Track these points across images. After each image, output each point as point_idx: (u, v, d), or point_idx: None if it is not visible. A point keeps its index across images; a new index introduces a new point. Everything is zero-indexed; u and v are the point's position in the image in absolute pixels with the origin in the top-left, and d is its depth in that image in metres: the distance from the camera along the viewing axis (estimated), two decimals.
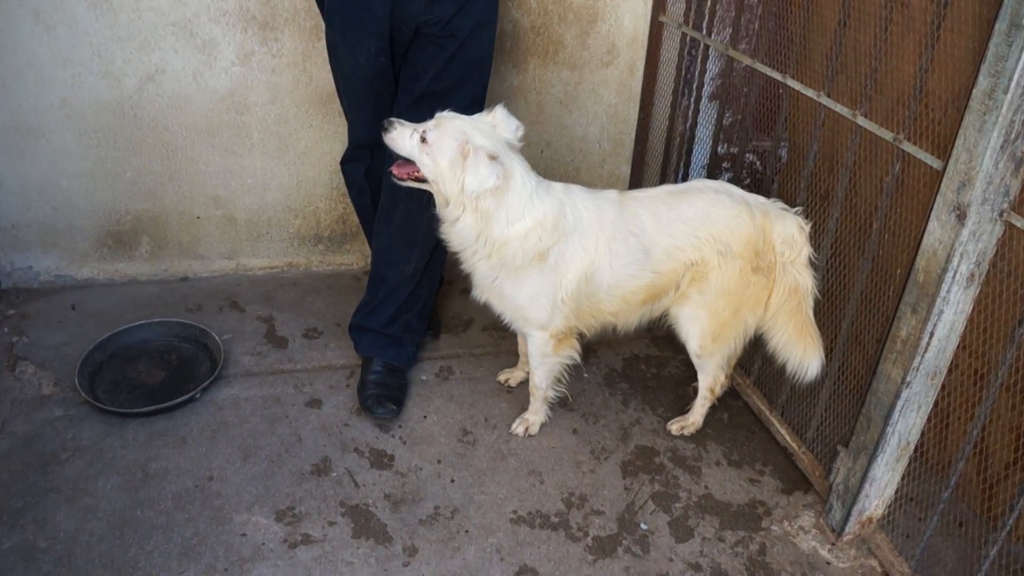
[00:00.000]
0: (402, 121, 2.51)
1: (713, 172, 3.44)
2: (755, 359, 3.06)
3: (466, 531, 2.54)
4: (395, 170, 2.59)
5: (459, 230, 2.54)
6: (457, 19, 2.70)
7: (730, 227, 2.65)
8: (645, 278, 2.69)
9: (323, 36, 3.24)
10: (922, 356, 2.22)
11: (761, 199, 2.72)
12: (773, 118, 2.92)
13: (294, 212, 3.65)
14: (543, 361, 2.79)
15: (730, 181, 2.88)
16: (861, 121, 2.41)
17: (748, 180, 3.47)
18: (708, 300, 2.71)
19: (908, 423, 2.36)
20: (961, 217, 2.03)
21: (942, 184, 2.09)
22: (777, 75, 2.77)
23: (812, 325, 2.73)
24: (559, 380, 2.88)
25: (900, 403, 2.30)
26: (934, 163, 2.15)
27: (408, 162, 2.55)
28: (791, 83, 2.70)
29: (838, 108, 2.50)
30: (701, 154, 3.60)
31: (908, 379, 2.27)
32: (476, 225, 2.51)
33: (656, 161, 3.83)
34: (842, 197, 2.57)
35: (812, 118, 2.65)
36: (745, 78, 3.04)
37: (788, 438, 2.88)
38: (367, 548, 2.46)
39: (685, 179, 3.64)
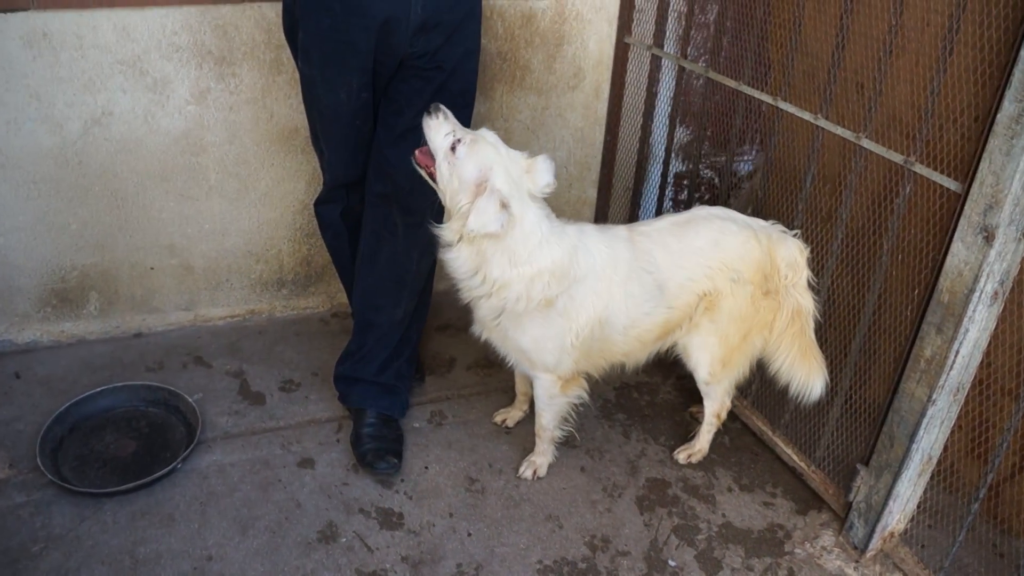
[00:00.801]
0: (448, 114, 2.39)
1: (690, 193, 3.43)
2: (752, 381, 3.05)
3: None
4: (419, 154, 2.46)
5: (454, 259, 2.43)
6: (444, 49, 2.58)
7: (740, 253, 2.62)
8: (660, 315, 2.62)
9: (283, 70, 3.09)
10: (947, 374, 2.25)
11: (762, 222, 2.72)
12: (757, 138, 2.93)
13: (255, 256, 3.43)
14: (550, 403, 2.69)
15: (707, 202, 2.89)
16: (866, 143, 2.42)
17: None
18: (719, 328, 2.67)
19: (932, 439, 2.39)
20: (989, 239, 2.06)
21: (965, 206, 2.11)
22: (767, 98, 2.78)
23: (815, 347, 2.75)
24: (565, 419, 2.79)
25: (925, 421, 2.33)
26: (951, 185, 2.18)
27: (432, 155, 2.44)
28: (784, 106, 2.71)
29: (839, 131, 2.51)
30: (670, 175, 3.59)
31: (933, 397, 2.29)
32: (472, 260, 2.40)
33: (623, 183, 3.80)
34: (846, 218, 2.59)
35: (808, 140, 2.66)
36: (727, 100, 3.03)
37: (796, 458, 2.89)
38: None
39: (661, 202, 3.62)
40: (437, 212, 2.51)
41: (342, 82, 2.56)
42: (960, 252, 2.14)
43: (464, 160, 2.33)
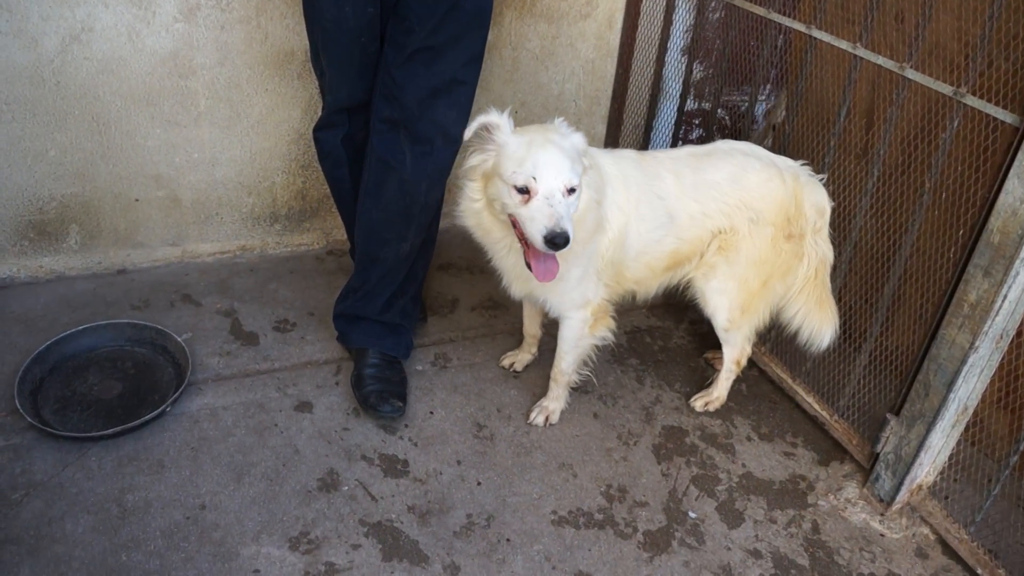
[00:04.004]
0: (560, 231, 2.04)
1: (707, 133, 3.26)
2: (771, 327, 2.92)
3: (507, 539, 2.29)
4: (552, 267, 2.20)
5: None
6: None
7: (761, 192, 2.48)
8: (669, 244, 2.51)
9: None
10: (992, 320, 2.12)
11: (789, 162, 2.57)
12: (773, 74, 2.76)
13: (247, 189, 3.23)
14: (577, 344, 2.55)
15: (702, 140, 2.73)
16: (911, 74, 2.26)
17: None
18: (737, 271, 2.54)
19: (969, 388, 2.28)
20: None
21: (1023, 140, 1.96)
22: (800, 26, 2.60)
23: (829, 295, 2.66)
24: (584, 363, 2.66)
25: (965, 368, 2.21)
26: (1007, 118, 2.03)
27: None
28: (819, 35, 2.53)
29: (880, 61, 2.34)
30: (685, 111, 3.41)
31: (976, 344, 2.17)
32: None
33: (633, 120, 3.61)
34: (884, 155, 2.43)
35: (844, 71, 2.49)
36: (754, 29, 2.84)
37: (817, 407, 2.77)
38: (403, 571, 2.17)
39: (675, 140, 3.44)
40: (445, 139, 2.34)
41: None
42: (1016, 190, 1.99)
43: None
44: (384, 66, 2.49)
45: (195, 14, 2.81)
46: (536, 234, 2.05)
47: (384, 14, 2.45)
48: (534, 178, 2.07)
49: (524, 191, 2.09)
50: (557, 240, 2.02)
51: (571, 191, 2.09)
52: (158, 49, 2.83)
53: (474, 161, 2.26)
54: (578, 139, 2.23)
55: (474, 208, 2.31)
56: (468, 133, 2.21)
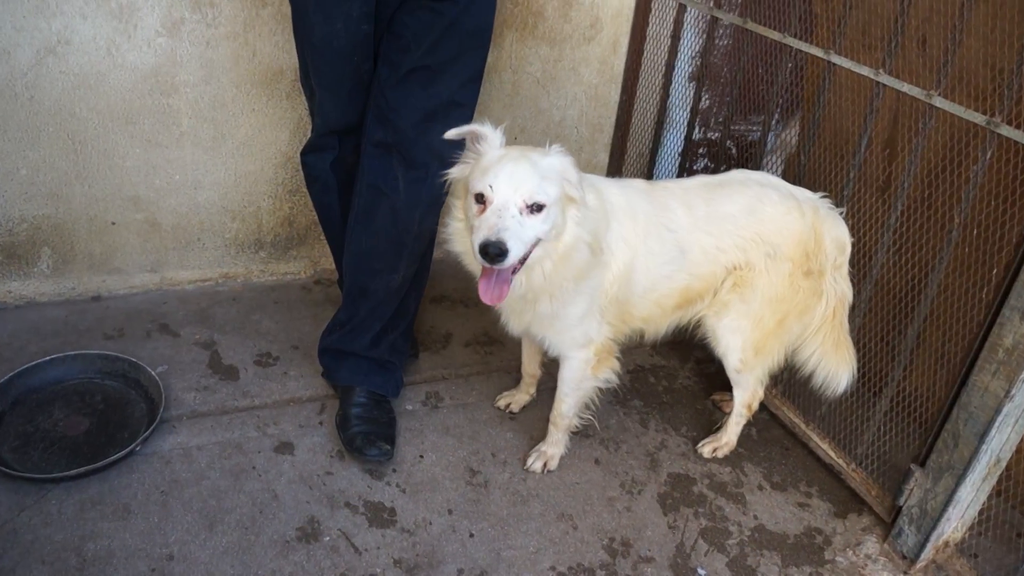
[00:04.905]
0: (507, 235, 1.86)
1: (715, 163, 3.12)
2: (783, 368, 2.76)
3: None
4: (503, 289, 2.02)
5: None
6: None
7: (779, 225, 2.33)
8: (680, 280, 2.35)
9: (269, 1, 2.74)
10: None
11: (808, 193, 2.42)
12: (802, 97, 2.62)
13: (231, 214, 3.06)
14: (579, 386, 2.39)
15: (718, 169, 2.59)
16: (939, 103, 2.12)
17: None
18: (752, 308, 2.39)
19: (1003, 439, 2.11)
20: None
21: None
22: (818, 51, 2.46)
23: (847, 337, 2.52)
24: (587, 406, 2.49)
25: (999, 418, 2.04)
26: None
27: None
28: (838, 60, 2.39)
29: (906, 88, 2.20)
30: (693, 140, 3.27)
31: (1012, 392, 2.01)
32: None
33: (637, 149, 3.48)
34: (908, 188, 2.28)
35: (865, 99, 2.35)
36: (768, 55, 2.71)
37: (833, 454, 2.60)
38: None
39: (682, 171, 3.30)
40: (441, 164, 2.18)
41: (339, 10, 2.21)
42: None
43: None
44: (378, 87, 2.35)
45: (179, 29, 2.67)
46: (474, 242, 1.88)
47: (378, 32, 2.32)
48: (491, 187, 1.90)
49: (481, 200, 1.92)
50: (490, 250, 1.82)
51: (535, 209, 1.90)
52: (139, 64, 2.68)
53: (455, 173, 2.10)
54: (561, 161, 2.01)
55: (459, 228, 2.13)
56: (451, 134, 2.05)
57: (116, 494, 2.24)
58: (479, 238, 1.86)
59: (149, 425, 2.41)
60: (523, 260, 1.97)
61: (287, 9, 2.69)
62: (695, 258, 2.33)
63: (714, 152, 3.40)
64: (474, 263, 2.07)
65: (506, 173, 1.90)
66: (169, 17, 2.65)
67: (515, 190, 1.89)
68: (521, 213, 1.89)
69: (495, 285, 1.98)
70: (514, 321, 2.32)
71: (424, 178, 2.34)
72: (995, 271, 2.07)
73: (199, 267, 3.14)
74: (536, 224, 1.92)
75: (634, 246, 2.25)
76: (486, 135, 2.03)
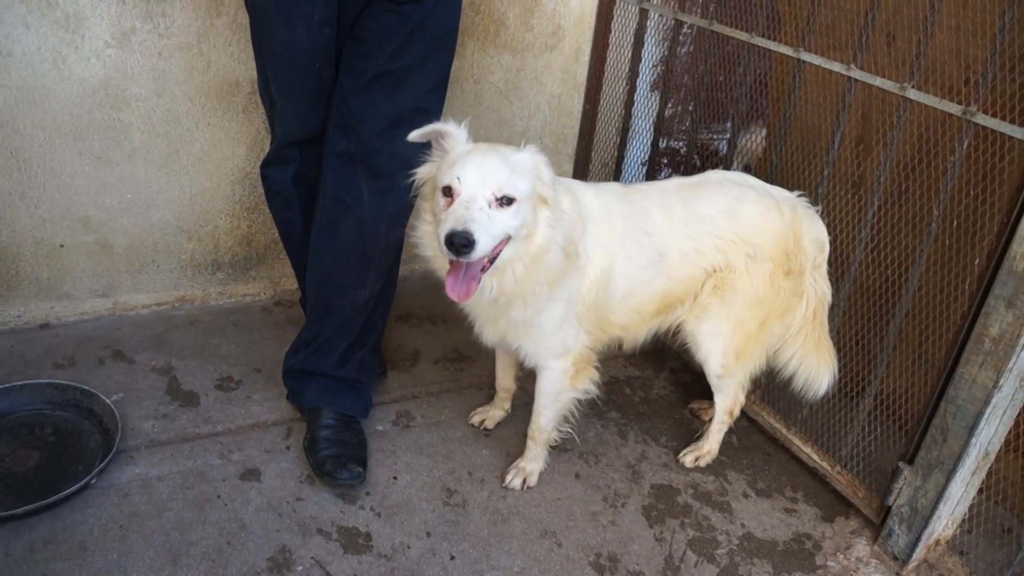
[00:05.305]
0: (475, 232, 1.78)
1: (683, 171, 3.09)
2: (763, 372, 2.72)
3: None
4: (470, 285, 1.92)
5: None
6: None
7: (758, 225, 2.29)
8: (659, 284, 2.29)
9: (223, 11, 2.66)
10: (1018, 355, 1.94)
11: (785, 192, 2.40)
12: (770, 98, 2.61)
13: (187, 234, 2.94)
14: (557, 399, 2.30)
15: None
16: (913, 95, 2.11)
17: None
18: (733, 312, 2.34)
19: (991, 431, 2.08)
20: None
21: None
22: (787, 50, 2.45)
23: (827, 337, 2.49)
24: (565, 419, 2.40)
25: (988, 409, 2.01)
26: None
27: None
28: (808, 58, 2.38)
29: (879, 82, 2.19)
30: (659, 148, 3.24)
31: (1000, 382, 1.98)
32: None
33: (601, 158, 3.44)
34: (884, 182, 2.26)
35: (837, 95, 2.34)
36: (734, 57, 2.70)
37: (816, 458, 2.55)
38: None
39: (650, 175, 3.27)
40: (407, 173, 2.10)
41: (300, 14, 2.13)
42: None
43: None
44: (340, 95, 2.27)
45: (129, 39, 2.56)
46: (440, 234, 1.80)
47: (340, 38, 2.24)
48: (458, 178, 1.83)
49: (448, 193, 1.85)
50: (456, 240, 1.74)
51: (505, 203, 1.84)
52: (87, 77, 2.56)
53: (423, 172, 2.03)
54: (534, 158, 1.94)
55: (428, 231, 2.05)
56: (415, 135, 1.98)
57: (70, 531, 2.09)
58: (445, 229, 1.78)
59: (104, 456, 2.27)
60: (492, 260, 1.90)
61: (243, 19, 2.60)
62: (674, 261, 2.28)
63: (678, 161, 3.37)
64: (443, 261, 1.97)
65: (474, 165, 1.84)
66: (119, 27, 2.54)
67: (483, 182, 1.82)
68: (490, 206, 1.82)
69: (462, 281, 1.89)
70: (488, 330, 2.24)
71: (390, 188, 2.26)
72: (977, 261, 2.06)
73: (154, 290, 3.00)
74: (506, 219, 1.85)
75: (611, 251, 2.19)
76: (451, 132, 1.97)
